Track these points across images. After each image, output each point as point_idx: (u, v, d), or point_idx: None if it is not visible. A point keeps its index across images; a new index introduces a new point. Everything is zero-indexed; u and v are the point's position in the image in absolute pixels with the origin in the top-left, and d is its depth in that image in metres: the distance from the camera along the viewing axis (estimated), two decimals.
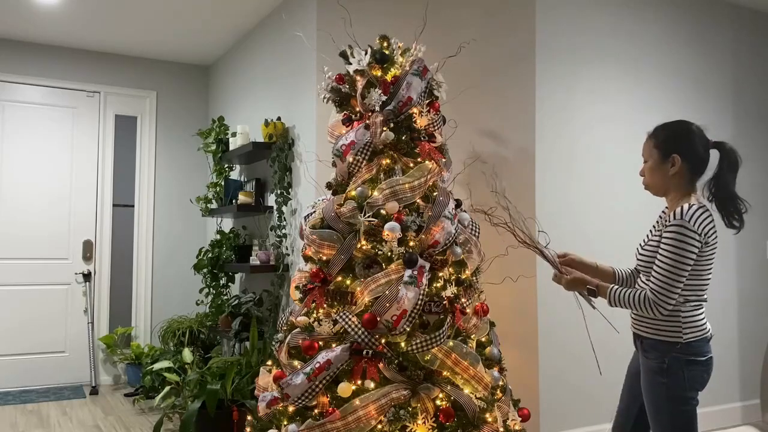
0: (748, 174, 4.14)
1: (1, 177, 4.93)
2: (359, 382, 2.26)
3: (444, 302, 2.39)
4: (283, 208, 3.90)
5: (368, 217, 2.42)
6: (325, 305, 2.43)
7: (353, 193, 2.48)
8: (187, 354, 3.91)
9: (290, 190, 3.88)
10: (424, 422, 2.25)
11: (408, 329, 2.31)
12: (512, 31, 3.39)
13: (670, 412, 2.03)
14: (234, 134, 4.37)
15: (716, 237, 2.03)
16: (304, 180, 3.71)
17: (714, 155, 2.14)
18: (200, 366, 3.80)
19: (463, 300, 2.48)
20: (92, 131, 5.23)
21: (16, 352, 4.93)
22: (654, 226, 2.23)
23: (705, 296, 2.11)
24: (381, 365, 2.27)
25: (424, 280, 2.32)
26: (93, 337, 5.07)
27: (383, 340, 2.30)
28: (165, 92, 5.50)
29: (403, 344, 2.32)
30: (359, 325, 2.28)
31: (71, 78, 5.16)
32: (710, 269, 2.06)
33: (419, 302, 2.29)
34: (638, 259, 2.18)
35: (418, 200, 2.50)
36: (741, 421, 3.98)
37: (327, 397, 2.31)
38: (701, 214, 2.00)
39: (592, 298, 2.22)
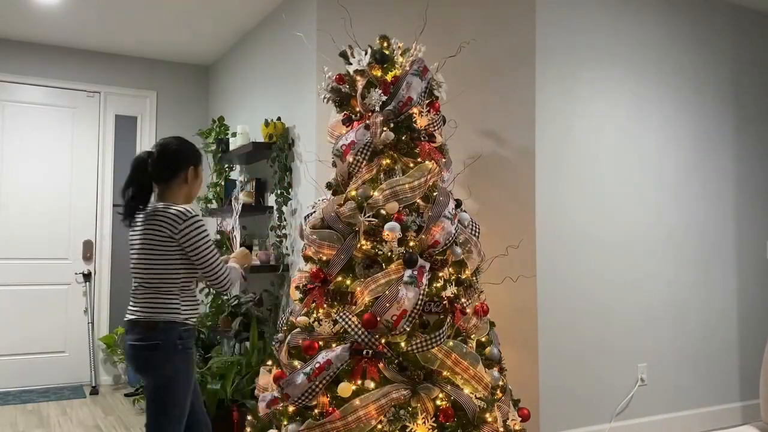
0: (748, 174, 4.14)
1: (1, 177, 4.93)
2: (359, 382, 2.26)
3: (444, 302, 2.39)
4: (283, 208, 3.90)
5: (368, 217, 2.42)
6: (325, 305, 2.43)
7: (353, 193, 2.48)
8: None
9: (290, 190, 3.88)
10: (424, 422, 2.25)
11: (408, 329, 2.31)
12: (512, 31, 3.39)
13: None
14: (234, 134, 4.37)
15: (131, 234, 2.39)
16: (304, 180, 3.71)
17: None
18: (200, 366, 3.79)
19: (463, 300, 2.48)
20: (92, 131, 5.23)
21: (16, 352, 4.93)
22: None
23: (134, 283, 2.38)
24: (381, 365, 2.28)
25: (424, 280, 2.32)
26: (93, 337, 5.07)
27: (383, 340, 2.30)
28: (165, 92, 5.50)
29: (403, 344, 2.32)
30: (359, 325, 2.28)
31: (71, 78, 5.16)
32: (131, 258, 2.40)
33: (419, 302, 2.29)
34: None
35: (418, 200, 2.50)
36: (741, 421, 3.98)
37: (327, 397, 2.31)
38: None
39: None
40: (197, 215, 2.34)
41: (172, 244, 2.29)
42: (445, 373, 2.34)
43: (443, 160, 2.65)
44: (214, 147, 4.67)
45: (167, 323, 2.28)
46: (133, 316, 2.30)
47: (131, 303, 2.35)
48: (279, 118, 3.95)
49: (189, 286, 2.38)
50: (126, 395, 4.74)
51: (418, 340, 2.29)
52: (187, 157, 2.41)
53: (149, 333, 2.26)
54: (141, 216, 2.36)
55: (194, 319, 2.39)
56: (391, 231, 2.36)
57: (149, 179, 2.36)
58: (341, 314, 2.34)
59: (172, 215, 2.28)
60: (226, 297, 4.46)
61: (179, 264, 2.32)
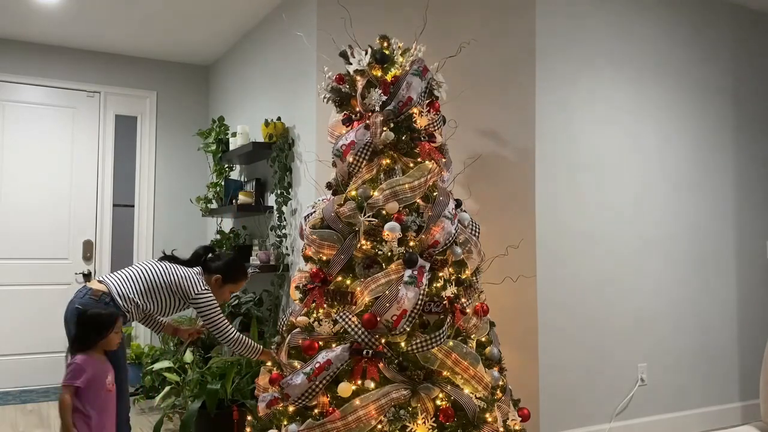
0: (748, 174, 4.14)
1: (1, 177, 4.93)
2: (359, 382, 2.26)
3: (444, 302, 2.39)
4: (283, 208, 3.90)
5: (368, 217, 2.42)
6: (325, 305, 2.43)
7: (353, 193, 2.48)
8: (187, 354, 3.91)
9: (290, 190, 3.88)
10: (424, 422, 2.25)
11: (408, 329, 2.31)
12: (512, 32, 3.39)
13: None
14: (234, 134, 4.37)
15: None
16: (304, 180, 3.71)
17: None
18: (200, 366, 3.79)
19: (463, 300, 2.48)
20: (92, 131, 5.23)
21: (16, 352, 4.93)
22: None
23: (129, 270, 2.86)
24: (381, 365, 2.27)
25: (424, 280, 2.32)
26: None
27: (383, 340, 2.30)
28: (165, 92, 5.50)
29: (403, 344, 2.32)
30: (359, 325, 2.28)
31: (71, 78, 5.16)
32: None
33: (419, 302, 2.29)
34: None
35: (418, 200, 2.50)
36: (741, 421, 3.98)
37: (327, 397, 2.31)
38: None
39: None
40: (214, 302, 2.84)
41: (178, 295, 2.81)
42: (445, 373, 2.34)
43: (443, 160, 2.65)
44: (214, 147, 4.66)
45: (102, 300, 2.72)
46: (103, 287, 2.74)
47: (110, 276, 2.79)
48: (279, 118, 3.95)
49: (147, 311, 2.82)
50: None
51: (418, 340, 2.29)
52: (222, 268, 2.95)
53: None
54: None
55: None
56: (391, 231, 2.36)
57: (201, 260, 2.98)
58: (341, 314, 2.34)
59: (201, 288, 2.82)
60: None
61: (162, 300, 2.81)
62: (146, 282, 2.77)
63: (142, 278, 2.78)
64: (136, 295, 2.75)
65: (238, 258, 3.10)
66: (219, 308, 2.83)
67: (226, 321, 2.83)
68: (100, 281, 2.77)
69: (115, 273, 2.83)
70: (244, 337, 2.84)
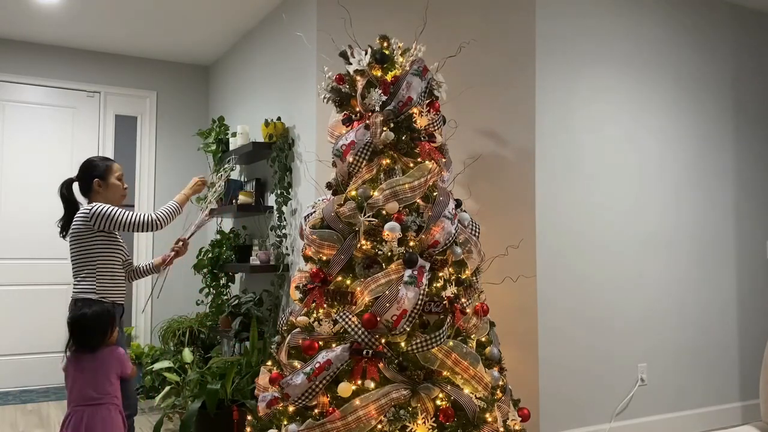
0: (748, 174, 4.14)
1: (1, 177, 4.93)
2: (359, 382, 2.26)
3: (444, 302, 2.39)
4: (283, 208, 3.90)
5: (368, 217, 2.42)
6: (325, 305, 2.43)
7: (353, 193, 2.48)
8: (187, 354, 3.91)
9: (290, 190, 3.88)
10: (424, 422, 2.25)
11: (408, 329, 2.31)
12: (512, 31, 3.39)
13: None
14: (234, 134, 4.37)
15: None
16: (304, 180, 3.71)
17: None
18: (200, 366, 3.79)
19: (463, 300, 2.48)
20: (92, 131, 5.23)
21: (16, 352, 4.93)
22: None
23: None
24: (381, 365, 2.27)
25: (424, 280, 2.32)
26: None
27: (383, 340, 2.30)
28: (165, 92, 5.50)
29: (403, 344, 2.32)
30: (359, 325, 2.28)
31: (71, 78, 5.16)
32: None
33: (419, 302, 2.29)
34: None
35: (418, 200, 2.50)
36: (741, 421, 3.98)
37: (327, 397, 2.31)
38: None
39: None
40: (101, 204, 2.85)
41: (89, 233, 2.83)
42: (445, 373, 2.34)
43: (443, 160, 2.65)
44: (214, 147, 4.66)
45: (84, 300, 2.79)
46: (72, 296, 2.87)
47: (75, 288, 2.89)
48: (279, 118, 3.95)
49: (105, 269, 2.86)
50: None
51: (418, 340, 2.29)
52: (90, 173, 2.95)
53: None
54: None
55: (113, 297, 2.86)
56: (391, 231, 2.36)
57: (75, 198, 3.03)
58: (341, 314, 2.34)
59: (83, 211, 2.85)
60: (226, 297, 4.46)
61: (94, 252, 2.84)
62: (83, 261, 2.83)
63: (80, 262, 2.84)
64: (98, 276, 2.82)
65: (89, 158, 3.08)
66: (115, 209, 2.85)
67: (131, 214, 2.87)
68: (79, 297, 2.82)
69: (74, 282, 2.90)
70: (159, 213, 2.93)
